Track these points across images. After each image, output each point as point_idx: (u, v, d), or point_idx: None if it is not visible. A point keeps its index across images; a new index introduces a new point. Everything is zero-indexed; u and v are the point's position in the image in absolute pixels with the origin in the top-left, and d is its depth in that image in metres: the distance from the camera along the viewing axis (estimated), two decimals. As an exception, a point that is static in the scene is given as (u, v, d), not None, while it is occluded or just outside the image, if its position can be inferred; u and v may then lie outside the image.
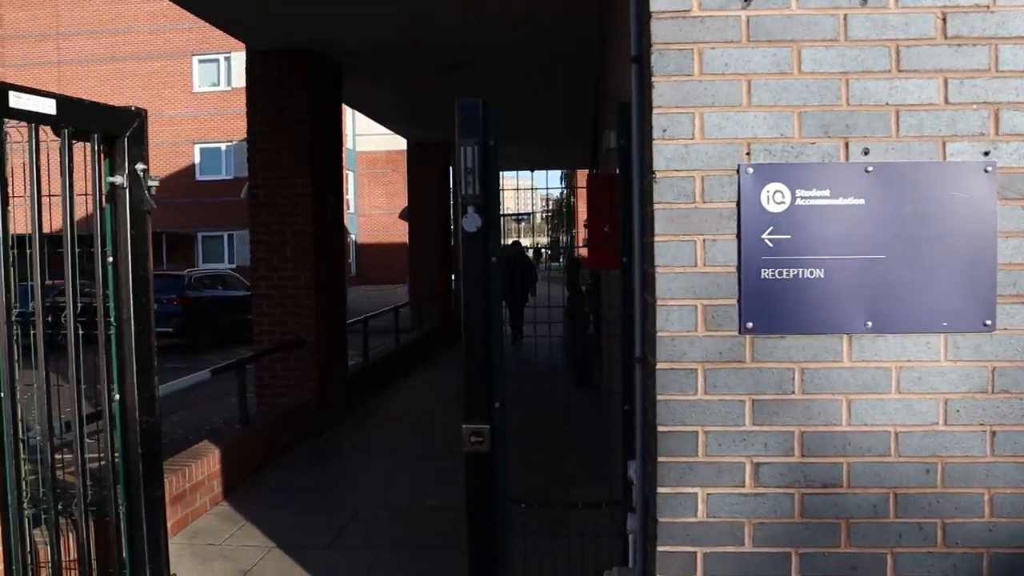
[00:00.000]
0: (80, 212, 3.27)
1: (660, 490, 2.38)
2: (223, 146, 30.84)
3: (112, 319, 3.34)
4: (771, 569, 2.30)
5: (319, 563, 4.82)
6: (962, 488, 2.25)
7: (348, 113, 43.87)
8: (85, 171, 3.29)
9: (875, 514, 2.27)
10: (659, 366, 2.36)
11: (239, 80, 30.52)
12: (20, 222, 3.24)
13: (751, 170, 2.27)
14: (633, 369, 2.77)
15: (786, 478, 2.29)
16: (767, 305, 2.27)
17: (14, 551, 3.11)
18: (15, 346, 3.10)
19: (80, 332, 3.21)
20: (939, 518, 2.26)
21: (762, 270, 2.28)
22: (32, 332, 3.12)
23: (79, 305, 3.22)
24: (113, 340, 3.35)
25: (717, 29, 2.26)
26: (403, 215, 18.59)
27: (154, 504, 3.47)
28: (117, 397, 3.37)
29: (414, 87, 10.52)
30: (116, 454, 3.35)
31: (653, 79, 2.30)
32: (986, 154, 2.21)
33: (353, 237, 43.90)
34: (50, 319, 3.19)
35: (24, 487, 3.13)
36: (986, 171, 2.20)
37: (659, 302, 2.36)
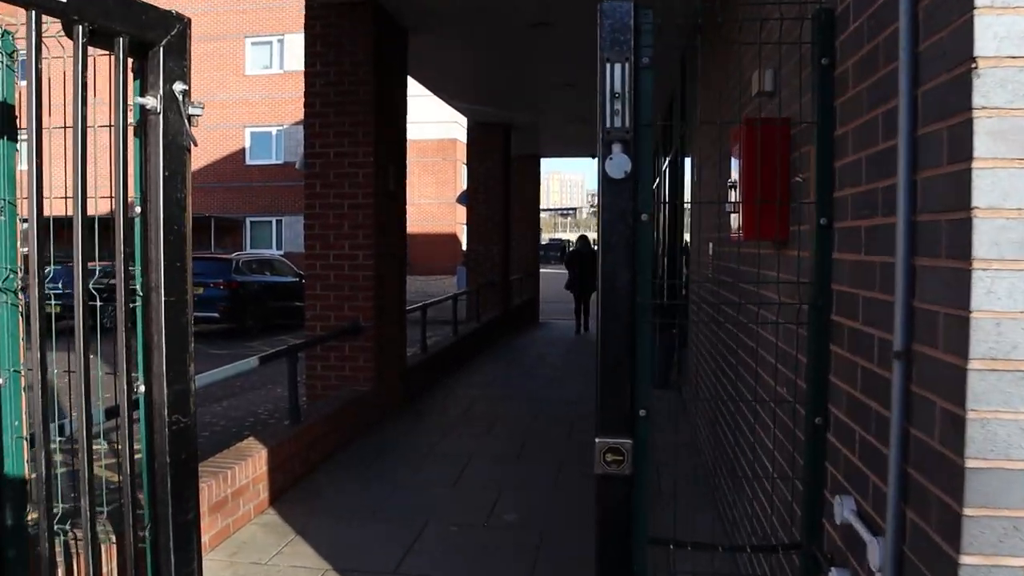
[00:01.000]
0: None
1: (964, 560, 1.49)
2: (274, 130, 30.36)
3: (138, 287, 2.53)
4: None
5: (385, 594, 4.00)
6: None
7: (399, 101, 43.38)
8: (109, 90, 2.47)
9: None
10: (974, 365, 1.48)
11: (292, 63, 30.03)
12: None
13: None
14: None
15: None
16: None
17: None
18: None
19: (100, 311, 2.42)
20: None
21: None
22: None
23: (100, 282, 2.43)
24: (139, 315, 2.54)
25: None
26: (461, 199, 17.77)
27: (185, 529, 2.66)
28: (142, 389, 2.56)
29: (484, 53, 9.67)
30: (137, 462, 2.55)
31: None
32: None
33: (401, 226, 43.31)
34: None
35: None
36: None
37: (977, 263, 1.47)
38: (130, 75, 2.50)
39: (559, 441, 6.92)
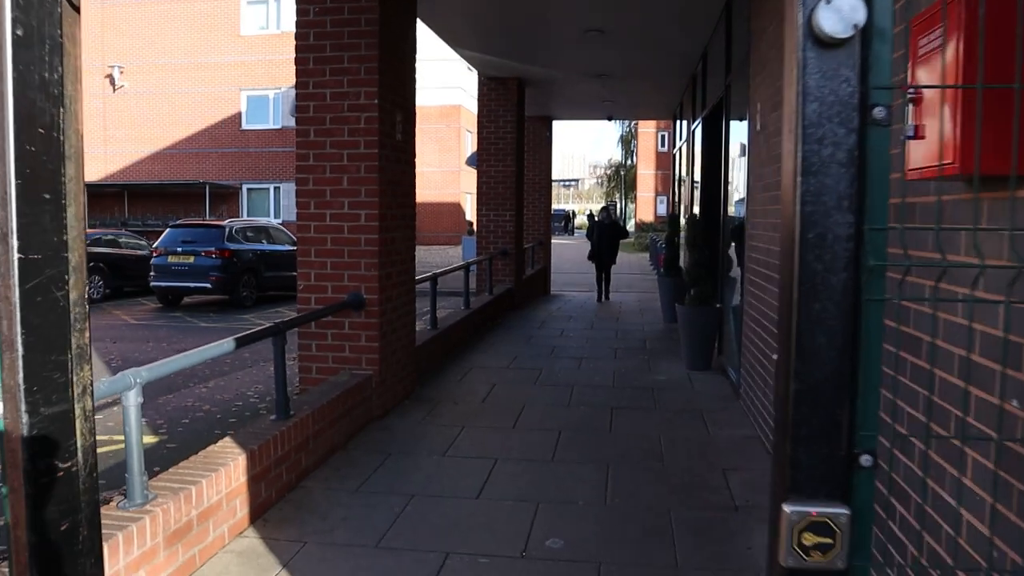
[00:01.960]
0: None
1: None
2: (271, 93, 29.06)
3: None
4: None
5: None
6: None
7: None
8: None
9: None
10: None
11: (290, 23, 28.64)
12: None
13: None
14: None
15: None
16: None
17: None
18: None
19: None
20: None
21: None
22: None
23: None
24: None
25: None
26: (470, 161, 16.59)
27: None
28: None
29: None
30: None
31: None
32: None
33: (403, 195, 42.12)
34: None
35: None
36: None
37: None
38: None
39: (600, 435, 5.85)
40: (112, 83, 29.52)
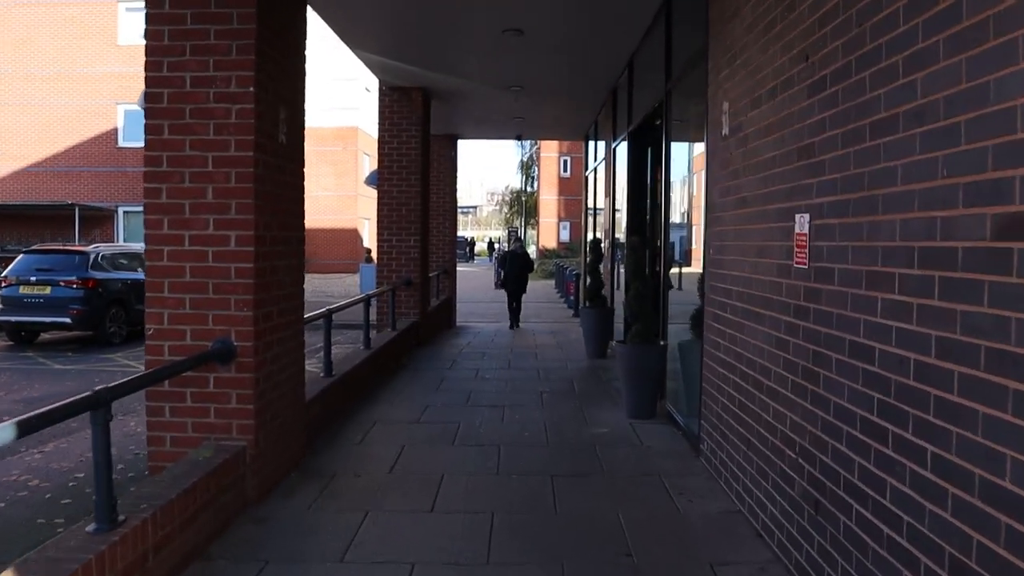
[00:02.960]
0: None
1: None
2: (150, 109, 26.84)
3: None
4: None
5: None
6: None
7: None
8: None
9: None
10: None
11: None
12: None
13: None
14: None
15: None
16: None
17: None
18: None
19: None
20: None
21: None
22: None
23: None
24: None
25: None
26: (370, 180, 15.17)
27: None
28: None
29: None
30: None
31: None
32: None
33: (297, 220, 40.12)
34: None
35: None
36: None
37: None
38: None
39: (545, 518, 4.58)
40: (-31, 95, 26.77)
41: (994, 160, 2.15)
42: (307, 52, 5.90)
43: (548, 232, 47.87)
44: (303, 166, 5.60)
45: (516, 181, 63.64)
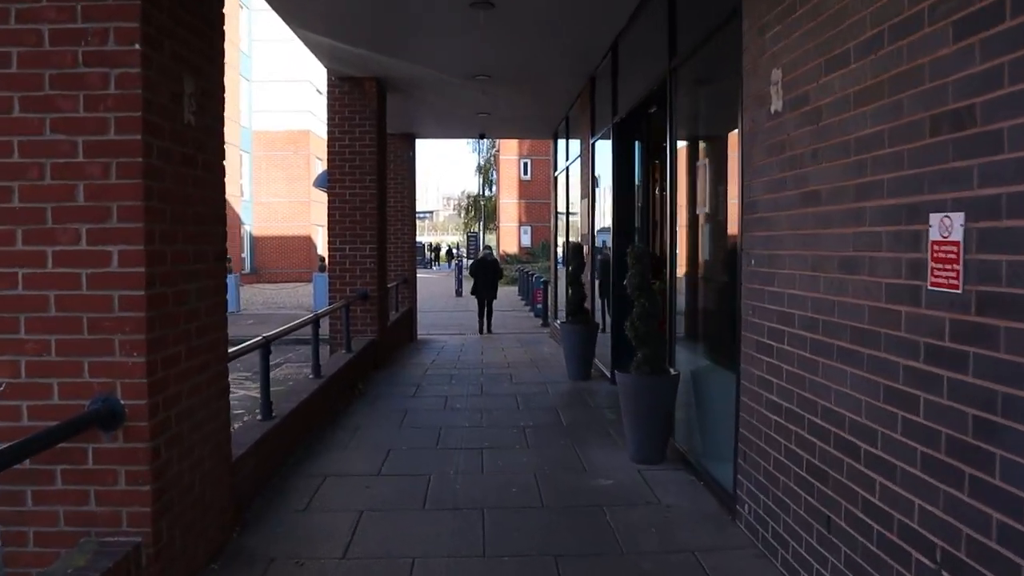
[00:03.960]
0: None
1: None
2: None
3: None
4: None
5: None
6: None
7: (245, 87, 38.33)
8: None
9: None
10: None
11: None
12: None
13: None
14: None
15: None
16: None
17: None
18: None
19: None
20: None
21: None
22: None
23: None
24: None
25: None
26: (319, 182, 13.80)
27: None
28: None
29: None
30: None
31: None
32: None
33: (247, 228, 38.51)
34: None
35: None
36: None
37: None
38: None
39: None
40: None
41: None
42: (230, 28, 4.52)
43: (509, 237, 46.63)
44: (223, 157, 4.28)
45: (473, 185, 62.42)
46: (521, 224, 46.62)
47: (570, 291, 9.38)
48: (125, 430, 3.35)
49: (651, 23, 7.00)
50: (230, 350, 4.80)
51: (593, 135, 10.47)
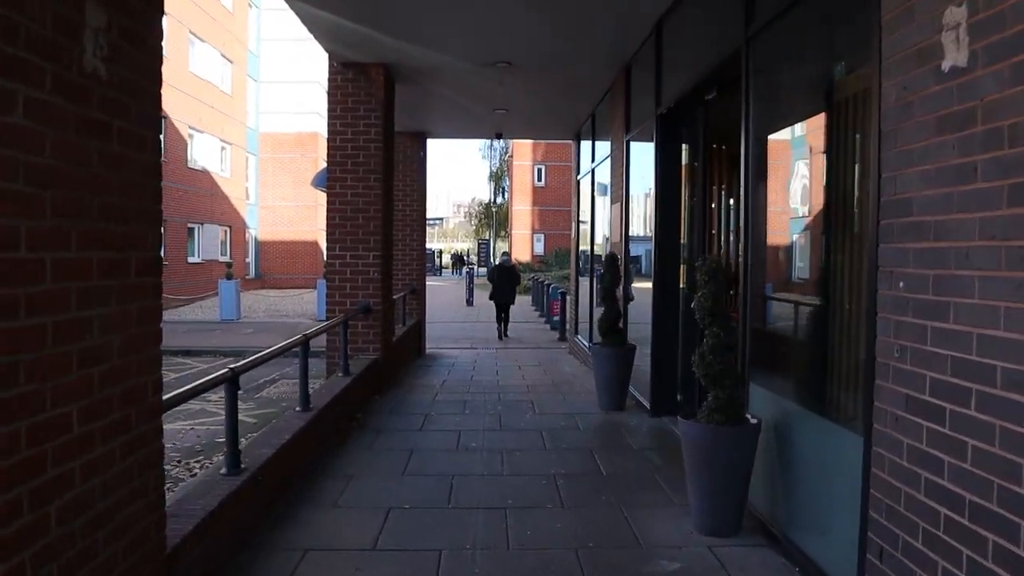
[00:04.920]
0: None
1: None
2: None
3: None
4: None
5: None
6: None
7: (252, 87, 37.27)
8: None
9: None
10: None
11: None
12: None
13: None
14: None
15: None
16: None
17: None
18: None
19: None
20: None
21: None
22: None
23: None
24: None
25: None
26: (317, 181, 12.59)
27: None
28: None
29: None
30: None
31: None
32: None
33: (253, 232, 37.41)
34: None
35: None
36: None
37: None
38: None
39: None
40: None
41: None
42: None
43: (521, 244, 45.37)
44: (158, 129, 3.05)
45: (484, 192, 61.31)
46: (534, 231, 45.39)
47: (603, 307, 8.12)
48: (-29, 547, 2.11)
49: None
50: (177, 392, 3.58)
51: (628, 132, 9.23)
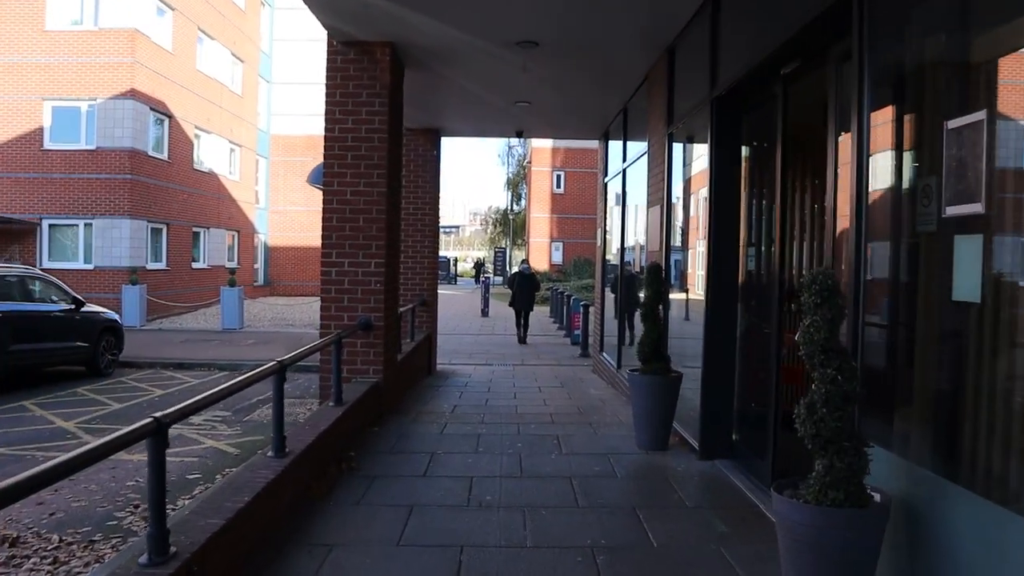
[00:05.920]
0: None
1: None
2: (84, 105, 22.99)
3: None
4: None
5: None
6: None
7: (264, 88, 36.26)
8: None
9: None
10: None
11: (109, 18, 22.87)
12: None
13: None
14: None
15: None
16: None
17: None
18: None
19: None
20: None
21: None
22: None
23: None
24: None
25: None
26: (313, 178, 11.35)
27: None
28: None
29: None
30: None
31: None
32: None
33: (263, 237, 36.35)
34: None
35: None
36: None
37: None
38: None
39: None
40: None
41: None
42: None
43: (539, 253, 44.03)
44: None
45: (501, 200, 60.19)
46: (552, 240, 44.07)
47: (645, 327, 6.83)
48: None
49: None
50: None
51: (671, 123, 7.97)
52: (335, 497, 5.39)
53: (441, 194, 13.62)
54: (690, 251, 7.79)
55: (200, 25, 27.52)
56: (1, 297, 11.82)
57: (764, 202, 5.94)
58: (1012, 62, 2.92)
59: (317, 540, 4.55)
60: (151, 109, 23.97)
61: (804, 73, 4.92)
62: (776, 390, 5.15)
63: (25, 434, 9.00)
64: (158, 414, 3.25)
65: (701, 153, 7.10)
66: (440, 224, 14.11)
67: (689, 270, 7.88)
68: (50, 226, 23.15)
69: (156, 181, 24.41)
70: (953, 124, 3.06)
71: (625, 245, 11.26)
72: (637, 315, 11.38)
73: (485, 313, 27.18)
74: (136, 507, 6.42)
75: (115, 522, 6.06)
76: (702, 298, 7.54)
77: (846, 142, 4.06)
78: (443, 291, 29.02)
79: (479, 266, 50.63)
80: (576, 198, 43.06)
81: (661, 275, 6.92)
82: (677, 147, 8.03)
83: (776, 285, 5.13)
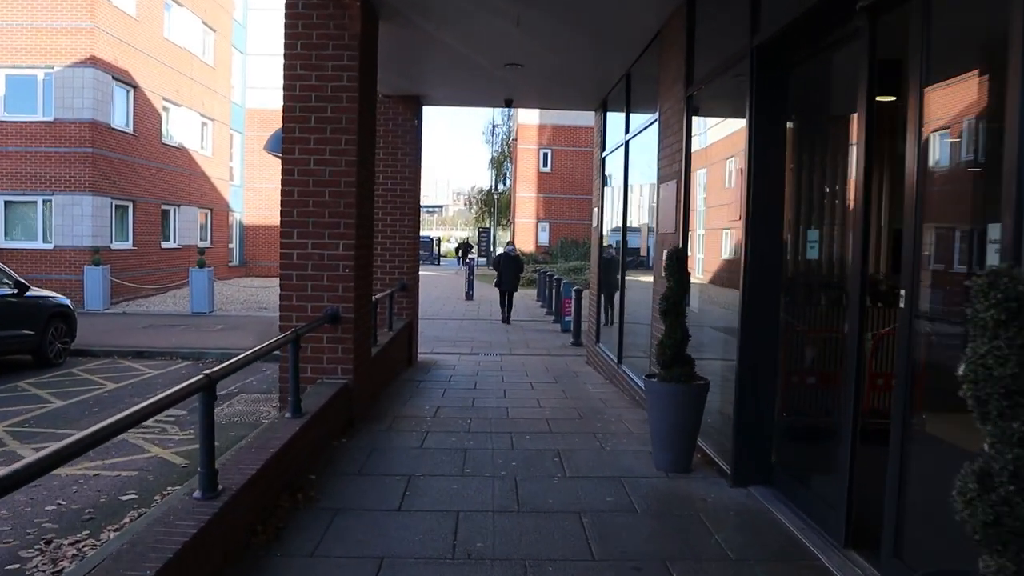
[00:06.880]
0: None
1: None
2: (40, 73, 21.48)
3: None
4: None
5: None
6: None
7: (238, 59, 34.69)
8: None
9: None
10: None
11: (67, -20, 21.32)
12: None
13: None
14: None
15: None
16: None
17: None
18: None
19: None
20: None
21: None
22: None
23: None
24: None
25: None
26: (271, 145, 10.04)
27: None
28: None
29: None
30: None
31: None
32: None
33: (238, 216, 34.90)
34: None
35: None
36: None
37: None
38: None
39: None
40: None
41: None
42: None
43: (525, 234, 42.78)
44: None
45: (485, 180, 58.80)
46: (539, 220, 42.82)
47: (665, 326, 5.68)
48: None
49: None
50: None
51: (691, 84, 6.81)
52: (285, 545, 4.22)
53: (423, 172, 12.40)
54: (704, 233, 6.66)
55: (167, -10, 25.98)
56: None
57: (831, 175, 4.79)
58: None
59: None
60: (114, 79, 22.48)
61: (895, 4, 3.74)
62: (855, 406, 4.01)
63: (-61, 441, 7.77)
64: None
65: (726, 119, 5.95)
66: (422, 203, 12.90)
67: (698, 255, 6.80)
68: (6, 203, 21.69)
69: (120, 156, 22.96)
70: None
71: (627, 225, 10.11)
72: (616, 296, 10.37)
73: (470, 296, 26.01)
74: (48, 543, 5.23)
75: (16, 565, 4.86)
76: (705, 283, 6.48)
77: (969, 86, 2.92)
78: (425, 272, 27.79)
79: (465, 247, 49.20)
80: (564, 177, 41.83)
81: (685, 263, 5.76)
82: (708, 104, 6.87)
83: (858, 276, 3.98)
